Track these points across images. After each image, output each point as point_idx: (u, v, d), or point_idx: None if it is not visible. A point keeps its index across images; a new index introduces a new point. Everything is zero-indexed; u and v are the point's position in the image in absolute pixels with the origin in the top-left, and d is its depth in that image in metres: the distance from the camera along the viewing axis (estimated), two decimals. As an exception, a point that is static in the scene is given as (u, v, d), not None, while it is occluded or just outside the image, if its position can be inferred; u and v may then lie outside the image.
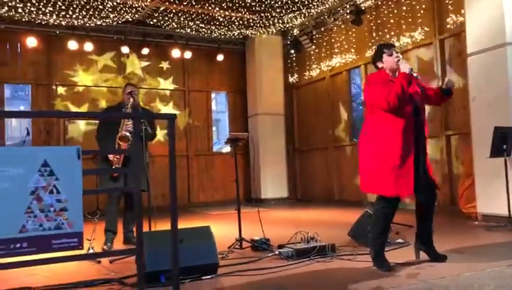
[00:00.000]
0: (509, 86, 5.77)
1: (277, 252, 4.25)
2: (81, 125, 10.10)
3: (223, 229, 6.14)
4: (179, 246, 3.43)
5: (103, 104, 10.18)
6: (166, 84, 11.20)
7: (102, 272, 3.95)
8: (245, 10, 9.13)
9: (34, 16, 8.66)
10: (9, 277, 3.66)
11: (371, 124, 3.68)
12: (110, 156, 5.14)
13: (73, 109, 10.05)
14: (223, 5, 8.82)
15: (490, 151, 5.37)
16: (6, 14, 8.52)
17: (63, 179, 1.99)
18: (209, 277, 3.55)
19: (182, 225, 4.25)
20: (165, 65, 11.12)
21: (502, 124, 5.56)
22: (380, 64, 3.77)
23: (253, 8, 9.05)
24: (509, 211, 5.46)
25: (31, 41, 9.27)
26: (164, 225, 3.23)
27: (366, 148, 3.68)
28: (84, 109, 10.07)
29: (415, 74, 3.57)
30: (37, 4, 8.13)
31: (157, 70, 11.09)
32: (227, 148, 11.31)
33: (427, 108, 4.45)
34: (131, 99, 5.13)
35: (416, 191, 3.63)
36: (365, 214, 4.67)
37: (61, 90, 10.09)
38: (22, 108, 24.92)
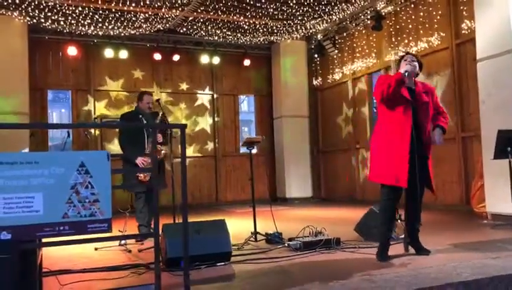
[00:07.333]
0: (517, 90, 6.01)
1: (286, 244, 4.71)
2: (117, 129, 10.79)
3: (243, 225, 6.62)
4: (197, 236, 3.95)
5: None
6: (196, 88, 11.80)
7: (131, 259, 4.52)
8: (268, 18, 9.59)
9: (74, 27, 9.43)
10: (51, 263, 4.24)
11: (379, 122, 4.20)
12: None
13: (110, 113, 10.77)
14: (247, 14, 9.30)
15: (494, 153, 5.62)
16: (49, 27, 9.32)
17: (96, 176, 2.52)
18: (223, 263, 4.04)
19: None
20: (195, 71, 11.74)
21: (511, 127, 5.79)
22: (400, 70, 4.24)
23: (276, 17, 9.50)
24: (515, 210, 5.70)
25: (71, 50, 10.03)
26: (189, 220, 3.72)
27: (373, 143, 4.21)
28: (119, 113, 10.76)
29: (406, 74, 3.96)
30: (76, 17, 8.87)
31: (188, 75, 11.71)
32: (254, 150, 11.76)
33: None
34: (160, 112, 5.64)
35: (408, 187, 3.99)
36: (370, 211, 5.06)
37: (98, 95, 10.84)
38: (63, 110, 26.21)
